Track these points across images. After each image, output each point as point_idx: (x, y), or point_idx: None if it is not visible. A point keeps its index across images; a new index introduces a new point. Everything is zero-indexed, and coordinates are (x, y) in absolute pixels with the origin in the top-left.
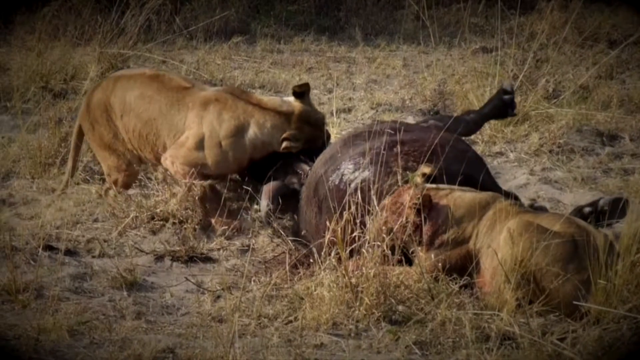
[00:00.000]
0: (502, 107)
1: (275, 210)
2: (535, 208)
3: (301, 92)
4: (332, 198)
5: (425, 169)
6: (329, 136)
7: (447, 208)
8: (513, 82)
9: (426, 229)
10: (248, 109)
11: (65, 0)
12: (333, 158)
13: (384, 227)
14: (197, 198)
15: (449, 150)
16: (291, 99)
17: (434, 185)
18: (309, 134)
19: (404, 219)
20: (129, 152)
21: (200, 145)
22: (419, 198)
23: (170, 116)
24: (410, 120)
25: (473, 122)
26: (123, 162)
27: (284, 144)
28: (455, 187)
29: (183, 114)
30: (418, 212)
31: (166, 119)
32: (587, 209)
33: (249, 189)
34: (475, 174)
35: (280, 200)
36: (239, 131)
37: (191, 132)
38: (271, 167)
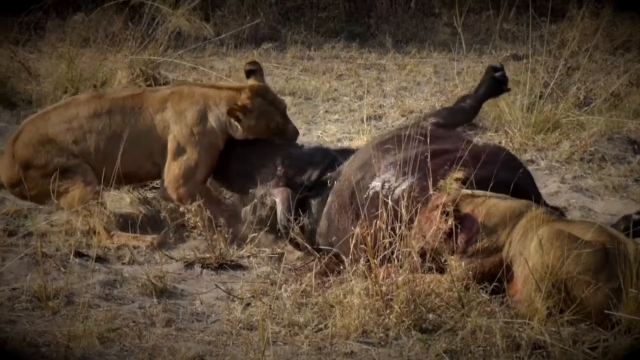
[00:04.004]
0: (495, 85)
1: (294, 219)
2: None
3: (252, 70)
4: (372, 206)
5: (458, 174)
6: (296, 131)
7: (482, 216)
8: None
9: (461, 237)
10: (203, 92)
11: (95, 7)
12: (368, 164)
13: (417, 235)
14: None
15: (495, 159)
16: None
17: (469, 192)
18: (262, 108)
19: (435, 226)
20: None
21: (179, 149)
22: (449, 204)
23: (135, 123)
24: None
25: (470, 107)
26: (81, 175)
27: (232, 122)
28: (491, 193)
29: (146, 118)
30: (449, 218)
31: (129, 127)
32: (636, 216)
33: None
34: (523, 184)
35: (304, 211)
36: (203, 115)
37: (168, 147)
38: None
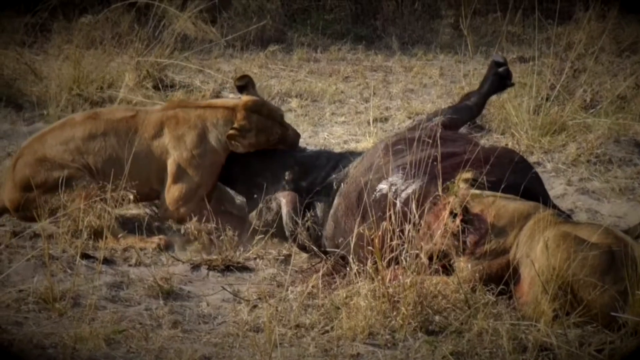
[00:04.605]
0: (499, 80)
1: (300, 221)
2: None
3: (244, 85)
4: (380, 208)
5: (467, 174)
6: (298, 135)
7: (491, 217)
8: (502, 54)
9: (470, 237)
10: (199, 113)
11: (102, 9)
12: (375, 166)
13: (425, 235)
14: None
15: (504, 161)
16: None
17: (478, 192)
18: (259, 124)
19: (443, 226)
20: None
21: (180, 172)
22: (457, 204)
23: (131, 148)
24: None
25: (475, 105)
26: (81, 185)
27: (232, 143)
28: (499, 194)
29: (142, 143)
30: (456, 218)
31: (125, 150)
32: None
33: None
34: (532, 186)
35: (312, 213)
36: (202, 137)
37: (168, 170)
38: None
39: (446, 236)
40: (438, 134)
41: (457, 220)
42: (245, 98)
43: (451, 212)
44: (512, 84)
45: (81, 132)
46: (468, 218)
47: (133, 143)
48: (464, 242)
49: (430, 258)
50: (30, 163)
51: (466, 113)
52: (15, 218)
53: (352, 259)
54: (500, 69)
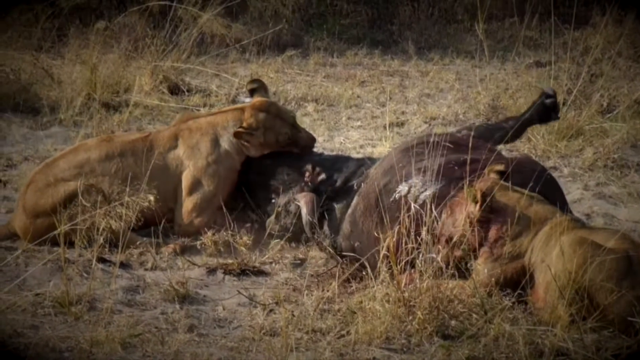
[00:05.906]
0: (544, 111)
1: (317, 223)
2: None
3: (255, 88)
4: (398, 209)
5: (499, 166)
6: (312, 138)
7: (513, 216)
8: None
9: (492, 230)
10: (209, 120)
11: (118, 14)
12: (394, 169)
13: (447, 220)
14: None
15: (524, 169)
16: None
17: (507, 184)
18: (267, 123)
19: (466, 210)
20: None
21: (195, 183)
22: (480, 189)
23: (148, 166)
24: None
25: (511, 128)
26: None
27: (241, 142)
28: (526, 192)
29: (158, 158)
30: (481, 205)
31: (142, 169)
32: None
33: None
34: (550, 195)
35: (328, 216)
36: (215, 143)
37: (183, 184)
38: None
39: (468, 220)
40: (458, 140)
41: (478, 205)
42: (255, 99)
43: (475, 198)
44: (558, 118)
45: (97, 155)
46: (492, 206)
47: (150, 160)
48: (486, 234)
49: (446, 263)
50: (39, 188)
51: (498, 133)
52: (27, 243)
53: (370, 261)
54: (548, 101)
